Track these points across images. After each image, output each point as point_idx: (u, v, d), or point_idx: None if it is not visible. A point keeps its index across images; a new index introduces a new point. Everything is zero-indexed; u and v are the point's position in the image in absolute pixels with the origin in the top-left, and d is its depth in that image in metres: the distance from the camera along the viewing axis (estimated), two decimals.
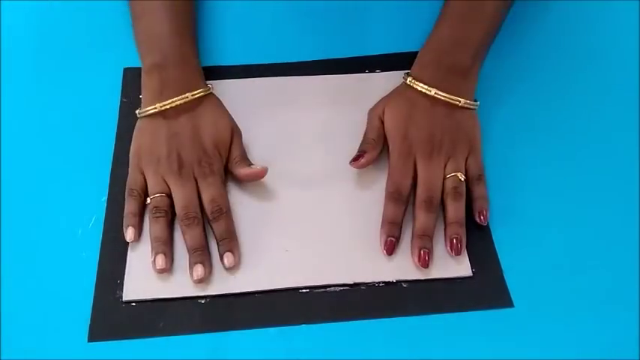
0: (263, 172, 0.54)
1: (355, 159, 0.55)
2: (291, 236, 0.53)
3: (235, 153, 0.55)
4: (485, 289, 0.51)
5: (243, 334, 0.49)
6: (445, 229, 0.53)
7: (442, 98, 0.55)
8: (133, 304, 0.50)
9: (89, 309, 0.50)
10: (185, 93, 0.55)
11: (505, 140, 0.59)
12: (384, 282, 0.51)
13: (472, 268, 0.52)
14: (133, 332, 0.49)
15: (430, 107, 0.55)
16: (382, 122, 0.57)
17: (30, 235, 0.54)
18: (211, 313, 0.50)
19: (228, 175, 0.56)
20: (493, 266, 0.52)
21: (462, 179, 0.53)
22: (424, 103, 0.56)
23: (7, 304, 0.50)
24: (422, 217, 0.52)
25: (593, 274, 0.52)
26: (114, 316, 0.50)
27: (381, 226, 0.53)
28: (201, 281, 0.50)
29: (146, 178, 0.54)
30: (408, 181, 0.54)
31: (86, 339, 0.49)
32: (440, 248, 0.53)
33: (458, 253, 0.51)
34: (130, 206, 0.53)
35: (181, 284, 0.51)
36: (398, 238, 0.52)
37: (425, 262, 0.51)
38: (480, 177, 0.54)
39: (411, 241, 0.52)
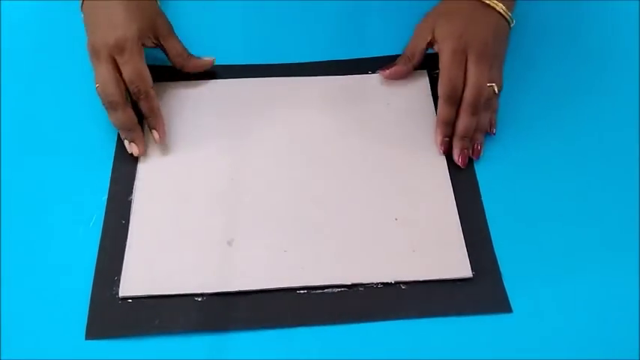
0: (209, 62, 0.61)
1: (383, 68, 0.60)
2: (289, 237, 0.53)
3: (171, 46, 0.61)
4: (483, 293, 0.51)
5: (239, 334, 0.49)
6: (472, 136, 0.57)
7: (499, 10, 0.58)
8: (130, 300, 0.50)
9: (87, 307, 0.50)
10: None
11: (504, 141, 0.59)
12: (382, 283, 0.51)
13: (472, 271, 0.52)
14: (130, 330, 0.49)
15: (484, 14, 0.58)
16: (428, 35, 0.58)
17: (30, 233, 0.54)
18: (208, 311, 0.50)
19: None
20: (492, 271, 0.52)
21: (497, 91, 0.57)
22: (480, 10, 0.58)
23: (5, 301, 0.50)
24: (466, 119, 0.56)
25: (592, 279, 0.52)
26: (111, 314, 0.49)
27: (438, 125, 0.57)
28: (140, 154, 0.57)
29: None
30: (462, 80, 0.56)
31: (83, 337, 0.49)
32: (438, 250, 0.52)
33: (478, 156, 0.57)
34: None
35: (178, 281, 0.51)
36: (452, 137, 0.57)
37: (465, 161, 0.56)
38: (500, 91, 0.58)
39: (453, 139, 0.57)
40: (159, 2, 0.63)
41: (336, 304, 0.50)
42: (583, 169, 0.58)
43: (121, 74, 0.56)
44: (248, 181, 0.56)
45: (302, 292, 0.51)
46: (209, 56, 0.62)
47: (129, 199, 0.55)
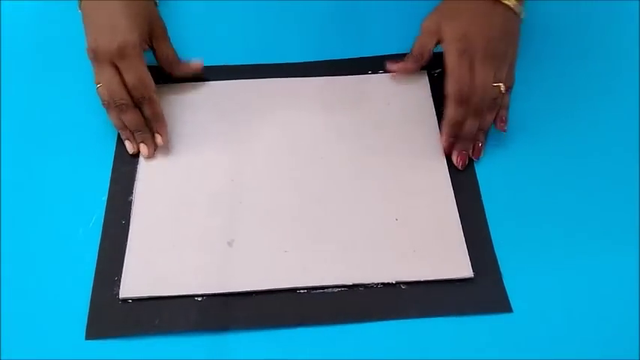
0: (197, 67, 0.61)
1: (391, 62, 0.60)
2: (290, 237, 0.53)
3: (163, 51, 0.61)
4: (484, 293, 0.51)
5: (239, 334, 0.49)
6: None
7: (506, 3, 0.56)
8: (130, 301, 0.50)
9: (87, 307, 0.50)
10: None
11: (505, 141, 0.59)
12: (382, 283, 0.51)
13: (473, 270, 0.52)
14: (130, 330, 0.49)
15: (490, 11, 0.56)
16: (435, 34, 0.58)
17: (30, 234, 0.54)
18: (208, 311, 0.50)
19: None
20: (492, 271, 0.52)
21: (503, 90, 0.56)
22: (484, 8, 0.57)
23: (5, 302, 0.50)
24: (470, 121, 0.55)
25: (593, 279, 0.52)
26: (111, 314, 0.50)
27: (445, 124, 0.56)
28: (148, 157, 0.57)
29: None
30: (469, 81, 0.55)
31: (84, 337, 0.49)
32: (440, 248, 0.52)
33: (478, 156, 0.56)
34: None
35: (179, 282, 0.51)
36: (459, 148, 0.56)
37: (464, 163, 0.56)
38: (510, 88, 0.57)
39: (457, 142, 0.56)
40: (157, 2, 0.63)
41: (337, 303, 0.50)
42: (583, 169, 0.58)
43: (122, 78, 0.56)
44: (248, 181, 0.56)
45: (302, 291, 0.51)
46: (197, 59, 0.61)
47: (129, 200, 0.55)
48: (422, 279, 0.51)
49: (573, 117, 0.61)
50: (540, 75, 0.64)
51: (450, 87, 0.55)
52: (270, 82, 0.63)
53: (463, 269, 0.51)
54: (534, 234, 0.54)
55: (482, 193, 0.56)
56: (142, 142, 0.57)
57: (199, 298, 0.50)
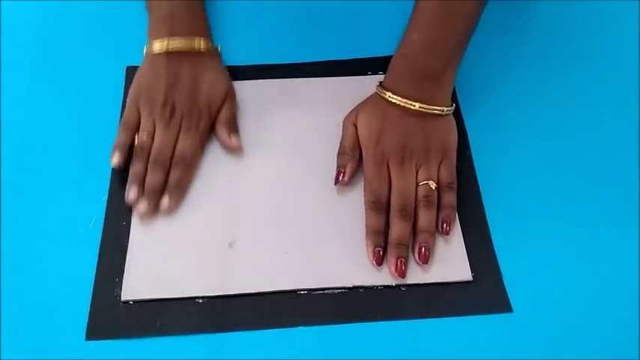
0: (234, 147, 0.58)
1: (336, 179, 0.55)
2: (290, 239, 0.53)
3: (223, 115, 0.58)
4: (484, 293, 0.51)
5: (240, 336, 0.49)
6: (414, 237, 0.52)
7: (413, 108, 0.55)
8: (131, 303, 0.50)
9: (87, 308, 0.50)
10: (191, 38, 0.59)
11: (506, 143, 0.59)
12: (382, 285, 0.51)
13: (472, 273, 0.52)
14: (130, 331, 0.49)
15: (401, 115, 0.55)
16: (356, 129, 0.57)
17: (30, 234, 0.54)
18: (208, 313, 0.50)
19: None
20: (492, 271, 0.52)
21: (434, 187, 0.53)
22: (395, 112, 0.55)
23: (6, 302, 0.50)
24: (397, 225, 0.52)
25: (593, 279, 0.52)
26: (112, 315, 0.50)
27: (366, 236, 0.53)
28: (144, 216, 0.54)
29: (141, 116, 0.57)
30: (386, 189, 0.54)
31: (84, 338, 0.49)
32: (440, 251, 0.53)
33: (425, 261, 0.51)
34: (121, 137, 0.57)
35: (180, 284, 0.51)
36: (385, 247, 0.52)
37: (402, 272, 0.51)
38: (450, 185, 0.54)
39: (388, 249, 0.52)
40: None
41: (337, 305, 0.50)
42: (584, 170, 0.58)
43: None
44: (249, 183, 0.56)
45: (302, 293, 0.51)
46: (237, 142, 0.58)
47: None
48: (421, 282, 0.51)
49: (573, 117, 0.61)
50: (540, 75, 0.64)
51: (366, 196, 0.54)
52: (270, 82, 0.63)
53: (462, 272, 0.52)
54: (535, 234, 0.54)
55: (482, 193, 0.56)
56: (148, 200, 0.54)
57: (200, 300, 0.50)
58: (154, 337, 0.49)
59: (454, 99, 0.61)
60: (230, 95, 0.59)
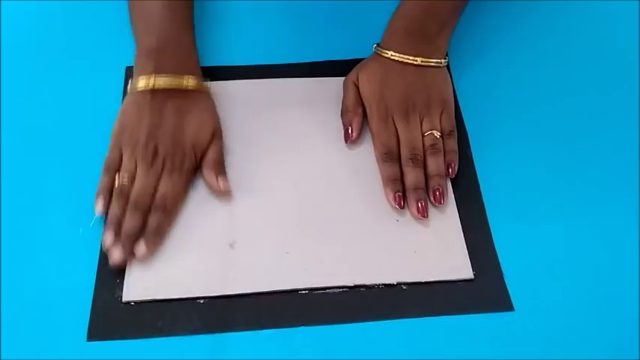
0: (222, 192, 0.55)
1: (346, 136, 0.58)
2: (291, 238, 0.53)
3: (210, 156, 0.56)
4: (485, 292, 0.51)
5: (241, 336, 0.49)
6: (427, 182, 0.55)
7: (410, 62, 0.58)
8: (132, 303, 0.50)
9: (89, 308, 0.50)
10: (179, 76, 0.56)
11: (505, 142, 0.59)
12: (383, 284, 0.51)
13: (473, 271, 0.52)
14: (132, 332, 0.49)
15: (401, 70, 0.58)
16: (357, 88, 0.59)
17: (30, 234, 0.54)
18: (210, 313, 0.50)
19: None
20: (494, 270, 0.52)
21: (438, 136, 0.57)
22: (395, 67, 0.59)
23: (7, 303, 0.50)
24: (411, 173, 0.55)
25: (593, 278, 0.52)
26: (113, 316, 0.50)
27: (385, 185, 0.55)
28: (117, 264, 0.51)
29: (122, 156, 0.55)
30: (394, 140, 0.57)
31: (85, 338, 0.49)
32: (441, 249, 0.53)
33: (440, 202, 0.54)
34: (104, 181, 0.54)
35: (181, 285, 0.51)
36: (404, 192, 0.55)
37: (424, 213, 0.54)
38: (451, 133, 0.58)
39: (407, 195, 0.55)
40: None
41: (338, 304, 0.50)
42: (584, 169, 0.58)
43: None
44: (249, 183, 0.56)
45: (304, 292, 0.51)
46: (226, 185, 0.56)
47: None
48: (423, 280, 0.51)
49: (574, 117, 0.61)
50: (540, 75, 0.64)
51: (376, 149, 0.57)
52: (269, 82, 0.63)
53: (463, 271, 0.52)
54: (535, 232, 0.54)
55: (483, 192, 0.56)
56: (123, 245, 0.51)
57: (201, 301, 0.50)
58: (155, 337, 0.49)
59: (454, 99, 0.61)
60: (217, 135, 0.57)
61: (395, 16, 0.60)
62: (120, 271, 0.51)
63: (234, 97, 0.62)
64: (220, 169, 0.56)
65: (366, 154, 0.58)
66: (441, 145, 0.57)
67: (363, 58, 0.63)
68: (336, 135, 0.59)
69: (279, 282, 0.51)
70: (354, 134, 0.58)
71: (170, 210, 0.53)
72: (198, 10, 0.63)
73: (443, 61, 0.59)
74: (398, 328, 0.49)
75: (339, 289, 0.51)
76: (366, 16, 0.68)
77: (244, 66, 0.64)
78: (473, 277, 0.51)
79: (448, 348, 0.49)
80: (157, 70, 0.56)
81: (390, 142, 0.56)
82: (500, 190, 0.56)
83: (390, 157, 0.56)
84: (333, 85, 0.62)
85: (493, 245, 0.53)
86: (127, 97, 0.57)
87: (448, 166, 0.56)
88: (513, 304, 0.50)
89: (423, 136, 0.57)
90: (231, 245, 0.53)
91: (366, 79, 0.59)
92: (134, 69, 0.58)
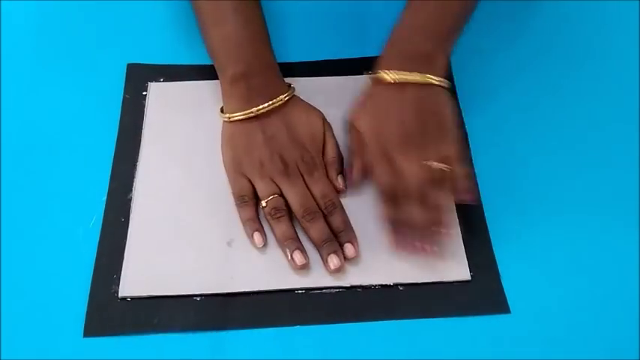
0: (340, 190, 0.55)
1: (348, 178, 0.56)
2: None
3: (330, 154, 0.56)
4: (482, 294, 0.51)
5: (237, 334, 0.49)
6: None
7: (408, 80, 0.53)
8: (129, 299, 0.50)
9: (85, 304, 0.50)
10: (273, 98, 0.55)
11: (505, 143, 0.59)
12: (380, 285, 0.51)
13: (470, 272, 0.52)
14: (128, 328, 0.49)
15: (397, 95, 0.54)
16: (356, 128, 0.55)
17: (29, 232, 0.54)
18: (206, 311, 0.50)
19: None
20: (490, 272, 0.52)
21: (445, 168, 0.51)
22: (390, 95, 0.54)
23: (3, 299, 0.50)
24: (417, 210, 0.51)
25: (591, 280, 0.52)
26: (109, 312, 0.50)
27: (389, 230, 0.53)
28: (339, 270, 0.51)
29: (253, 183, 0.54)
30: (395, 179, 0.52)
31: (82, 334, 0.49)
32: (438, 251, 0.52)
33: (430, 250, 0.51)
34: (246, 213, 0.53)
35: (178, 282, 0.51)
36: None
37: (427, 251, 0.51)
38: (458, 159, 0.52)
39: (411, 237, 0.52)
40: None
41: (334, 304, 0.50)
42: (583, 171, 0.58)
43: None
44: None
45: (300, 292, 0.51)
46: (344, 184, 0.56)
47: (128, 198, 0.55)
48: (419, 281, 0.51)
49: (573, 118, 0.61)
50: (540, 75, 0.64)
51: (378, 189, 0.54)
52: None
53: (460, 272, 0.52)
54: (533, 235, 0.54)
55: (481, 193, 0.56)
56: (333, 252, 0.51)
57: (198, 298, 0.50)
58: (152, 333, 0.49)
59: (454, 99, 0.61)
60: (327, 127, 0.57)
61: (387, 43, 0.56)
62: (117, 267, 0.51)
63: None
64: (340, 166, 0.56)
65: None
66: (446, 176, 0.51)
67: (363, 58, 0.63)
68: (335, 134, 0.59)
69: (276, 281, 0.51)
70: (355, 176, 0.55)
71: (339, 202, 0.54)
72: None
73: (444, 80, 0.54)
74: (394, 330, 0.49)
75: (335, 290, 0.51)
76: (366, 16, 0.68)
77: None
78: (470, 278, 0.51)
79: (445, 350, 0.49)
80: (250, 102, 0.55)
81: (391, 183, 0.52)
82: (498, 192, 0.56)
83: (395, 199, 0.52)
84: (334, 84, 0.63)
85: (491, 247, 0.53)
86: (225, 129, 0.57)
87: (462, 191, 0.52)
88: (510, 306, 0.50)
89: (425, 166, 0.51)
90: (229, 243, 0.53)
91: (362, 116, 0.55)
92: (225, 96, 0.57)
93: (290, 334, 0.49)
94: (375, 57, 0.63)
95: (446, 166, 0.51)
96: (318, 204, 0.53)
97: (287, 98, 0.56)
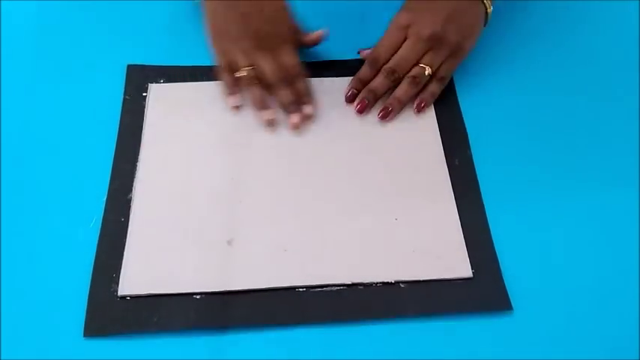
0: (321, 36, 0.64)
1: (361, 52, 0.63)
2: (289, 236, 0.53)
3: (293, 26, 0.63)
4: (484, 291, 0.51)
5: (238, 333, 0.49)
6: (387, 100, 0.60)
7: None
8: (128, 298, 0.50)
9: (85, 303, 0.50)
10: None
11: (505, 139, 0.59)
12: (382, 282, 0.51)
13: (472, 269, 0.51)
14: (128, 326, 0.49)
15: (461, 8, 0.60)
16: (404, 29, 0.60)
17: (29, 232, 0.54)
18: (206, 309, 0.49)
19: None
20: (492, 269, 0.52)
21: (427, 73, 0.59)
22: (456, 6, 0.60)
23: (5, 299, 0.50)
24: (378, 78, 0.60)
25: (592, 277, 0.52)
26: (109, 311, 0.49)
27: (352, 80, 0.61)
28: (297, 126, 0.59)
29: (232, 55, 0.60)
30: (389, 55, 0.60)
31: (82, 333, 0.48)
32: (438, 250, 0.52)
33: (384, 118, 0.60)
34: (226, 79, 0.61)
35: (178, 281, 0.51)
36: (361, 96, 0.60)
37: (361, 110, 0.60)
38: (443, 79, 0.60)
39: (360, 93, 0.60)
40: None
41: (335, 302, 0.50)
42: (584, 168, 0.58)
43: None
44: (248, 180, 0.56)
45: (301, 290, 0.51)
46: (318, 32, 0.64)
47: (128, 197, 0.55)
48: (421, 278, 0.51)
49: (573, 117, 0.61)
50: (540, 75, 0.64)
51: (371, 52, 0.61)
52: None
53: (462, 269, 0.51)
54: (535, 232, 0.54)
55: (482, 190, 0.56)
56: (295, 111, 0.59)
57: (198, 297, 0.50)
58: (152, 332, 0.49)
59: (454, 99, 0.61)
60: (289, 8, 0.62)
61: None
62: (116, 266, 0.51)
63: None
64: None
65: (365, 153, 0.58)
66: (423, 82, 0.59)
67: (361, 59, 0.63)
68: (335, 134, 0.59)
69: (277, 279, 0.51)
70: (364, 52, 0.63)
71: (302, 72, 0.61)
72: (197, 11, 0.63)
73: (489, 5, 0.60)
74: (395, 330, 0.49)
75: (336, 287, 0.51)
76: (367, 16, 0.68)
77: None
78: (472, 275, 0.51)
79: (446, 348, 0.48)
80: None
81: (382, 48, 0.60)
82: (499, 189, 0.56)
83: (372, 62, 0.60)
84: (334, 84, 0.63)
85: (492, 244, 0.53)
86: (207, 6, 0.61)
87: (421, 101, 0.60)
88: (512, 302, 0.50)
89: (416, 63, 0.59)
90: (229, 242, 0.53)
91: (410, 6, 0.61)
92: None
93: (290, 334, 0.49)
94: None
95: (430, 70, 0.59)
96: (286, 73, 0.60)
97: None
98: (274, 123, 0.59)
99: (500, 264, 0.52)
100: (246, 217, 0.54)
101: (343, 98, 0.62)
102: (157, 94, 0.62)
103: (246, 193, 0.56)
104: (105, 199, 0.55)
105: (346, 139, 0.59)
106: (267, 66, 0.59)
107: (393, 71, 0.59)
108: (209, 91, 0.62)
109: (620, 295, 0.51)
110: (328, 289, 0.51)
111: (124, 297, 0.50)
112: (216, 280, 0.51)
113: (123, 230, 0.53)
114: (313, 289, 0.51)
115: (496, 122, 0.61)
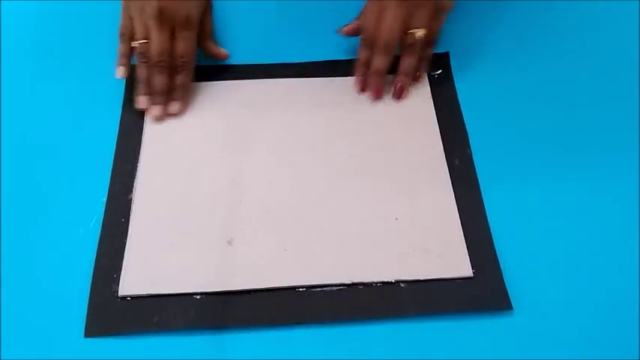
0: (225, 56, 0.63)
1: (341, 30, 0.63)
2: (289, 236, 0.53)
3: (207, 28, 0.63)
4: (484, 291, 0.51)
5: (238, 333, 0.49)
6: (394, 78, 0.61)
7: None
8: (129, 298, 0.50)
9: (85, 303, 0.50)
10: None
11: (506, 139, 0.59)
12: (382, 282, 0.51)
13: (472, 269, 0.51)
14: (128, 327, 0.49)
15: None
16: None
17: (29, 232, 0.54)
18: (206, 309, 0.50)
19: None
20: (493, 269, 0.52)
21: (418, 36, 0.59)
22: None
23: (5, 300, 0.50)
24: (377, 58, 0.60)
25: (593, 277, 0.51)
26: (109, 311, 0.49)
27: (355, 67, 0.61)
28: (155, 119, 0.59)
29: (133, 22, 0.59)
30: (375, 26, 0.59)
31: (82, 334, 0.49)
32: (440, 246, 0.52)
33: (398, 97, 0.61)
34: (121, 48, 0.60)
35: (178, 281, 0.51)
36: (370, 82, 0.61)
37: (375, 94, 0.61)
38: (433, 40, 0.61)
39: (368, 78, 0.61)
40: None
41: (336, 302, 0.50)
42: (585, 168, 0.58)
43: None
44: (248, 180, 0.56)
45: (301, 290, 0.51)
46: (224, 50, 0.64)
47: (128, 198, 0.55)
48: (421, 278, 0.51)
49: (574, 117, 0.61)
50: (541, 75, 0.64)
51: (362, 32, 0.61)
52: (270, 82, 0.63)
53: (463, 268, 0.51)
54: (535, 232, 0.54)
55: (482, 190, 0.56)
56: (160, 104, 0.59)
57: (198, 297, 0.50)
58: (152, 332, 0.49)
59: (454, 98, 0.61)
60: (210, 8, 0.63)
61: None
62: (117, 267, 0.51)
63: (233, 97, 0.62)
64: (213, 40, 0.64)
65: (364, 153, 0.58)
66: (419, 46, 0.59)
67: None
68: (336, 134, 0.59)
69: (277, 279, 0.51)
70: (344, 28, 0.63)
71: (192, 66, 0.60)
72: None
73: None
74: (396, 330, 0.49)
75: (337, 287, 0.51)
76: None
77: (244, 65, 0.65)
78: (472, 275, 0.51)
79: (447, 348, 0.48)
80: None
81: (368, 26, 0.60)
82: (499, 188, 0.56)
83: (365, 43, 0.60)
84: (333, 84, 0.63)
85: (492, 243, 0.53)
86: None
87: (416, 70, 0.61)
88: (512, 302, 0.50)
89: (406, 31, 0.59)
90: (229, 242, 0.53)
91: None
92: None
93: (290, 334, 0.49)
94: None
95: (422, 32, 0.59)
96: (174, 59, 0.59)
97: None
98: (157, 117, 0.59)
99: (501, 263, 0.52)
100: (246, 217, 0.54)
101: (343, 98, 0.62)
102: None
103: (246, 193, 0.56)
104: (105, 199, 0.55)
105: (346, 139, 0.59)
106: (157, 45, 0.58)
107: (384, 46, 0.59)
108: (209, 90, 0.63)
109: (620, 295, 0.51)
110: (328, 289, 0.51)
111: (124, 297, 0.50)
112: (216, 280, 0.51)
113: (123, 231, 0.53)
114: (313, 289, 0.51)
115: (496, 121, 0.61)
